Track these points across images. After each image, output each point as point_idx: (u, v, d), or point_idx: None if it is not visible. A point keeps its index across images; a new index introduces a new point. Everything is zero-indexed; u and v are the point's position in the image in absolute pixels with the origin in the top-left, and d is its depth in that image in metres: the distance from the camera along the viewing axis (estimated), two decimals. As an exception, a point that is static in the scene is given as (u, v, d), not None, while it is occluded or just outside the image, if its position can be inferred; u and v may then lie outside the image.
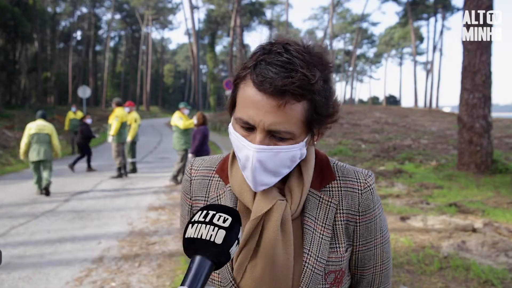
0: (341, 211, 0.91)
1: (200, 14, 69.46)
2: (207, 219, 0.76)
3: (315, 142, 0.91)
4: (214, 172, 0.99)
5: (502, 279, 3.56)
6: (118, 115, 9.65)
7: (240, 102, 0.83)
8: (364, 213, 0.92)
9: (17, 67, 35.51)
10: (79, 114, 14.10)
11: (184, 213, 1.05)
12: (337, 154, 12.76)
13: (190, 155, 8.07)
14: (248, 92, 0.81)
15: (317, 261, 0.88)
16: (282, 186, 0.91)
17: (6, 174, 10.61)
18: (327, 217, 0.90)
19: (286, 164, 0.85)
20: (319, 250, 0.89)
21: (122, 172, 9.75)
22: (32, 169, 7.81)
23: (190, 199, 1.01)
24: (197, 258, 0.73)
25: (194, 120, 8.16)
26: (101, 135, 21.64)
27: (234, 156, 0.96)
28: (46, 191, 7.65)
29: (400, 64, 65.06)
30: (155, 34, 75.65)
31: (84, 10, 52.67)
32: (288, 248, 0.87)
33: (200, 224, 0.75)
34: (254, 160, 0.82)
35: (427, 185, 7.94)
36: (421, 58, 59.59)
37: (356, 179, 0.93)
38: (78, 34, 55.62)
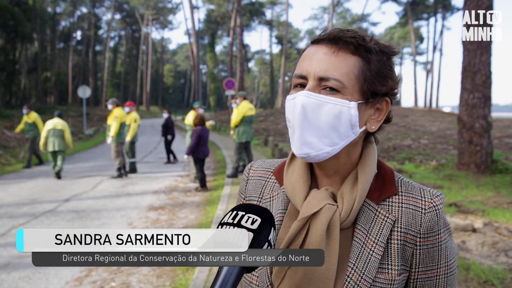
0: (399, 230, 0.83)
1: (200, 14, 69.45)
2: (235, 221, 0.73)
3: (372, 127, 0.84)
4: (271, 173, 0.96)
5: (502, 279, 3.56)
6: (118, 115, 9.62)
7: (299, 62, 0.85)
8: (426, 236, 0.83)
9: (17, 67, 35.56)
10: (32, 116, 11.54)
11: None
12: (337, 154, 12.75)
13: (185, 156, 8.09)
14: (306, 51, 0.84)
15: (361, 278, 0.81)
16: (337, 191, 0.87)
17: (6, 174, 10.60)
18: (381, 233, 0.82)
19: (334, 124, 0.79)
20: (366, 267, 0.81)
21: (122, 172, 9.75)
22: (50, 158, 9.68)
23: (244, 199, 0.98)
24: None
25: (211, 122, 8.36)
26: (101, 135, 21.66)
27: (292, 157, 0.93)
28: (57, 175, 9.49)
29: (400, 64, 65.02)
30: (155, 34, 75.64)
31: (84, 10, 52.72)
32: (331, 258, 0.81)
33: (228, 226, 0.73)
34: (299, 105, 0.79)
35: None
36: (421, 58, 59.60)
37: (421, 197, 0.85)
38: (78, 34, 55.66)
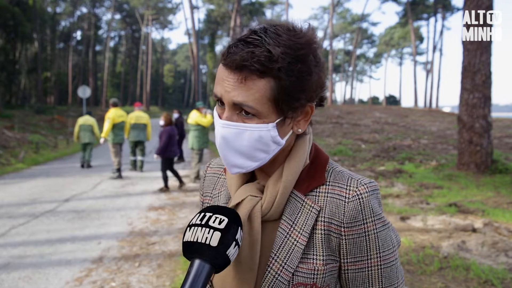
0: (323, 219, 0.82)
1: (200, 14, 69.43)
2: (203, 222, 0.76)
3: (299, 130, 0.84)
4: (223, 170, 1.02)
5: (502, 279, 3.56)
6: (110, 116, 9.69)
7: (216, 79, 0.83)
8: (350, 225, 0.81)
9: (17, 67, 35.53)
10: None
11: None
12: (337, 154, 12.77)
13: (155, 155, 8.23)
14: (219, 69, 0.81)
15: (282, 268, 0.81)
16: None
17: (6, 174, 10.60)
18: (305, 224, 0.82)
19: (257, 146, 0.79)
20: (288, 257, 0.82)
21: (120, 173, 9.76)
22: (81, 149, 11.45)
23: (202, 195, 1.04)
24: (196, 262, 0.73)
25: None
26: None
27: None
28: (88, 165, 11.31)
29: (400, 64, 65.05)
30: (155, 34, 75.70)
31: (84, 10, 52.71)
32: (253, 248, 0.82)
33: (196, 227, 0.76)
34: (219, 136, 0.81)
35: (427, 185, 7.95)
36: (421, 58, 59.75)
37: (347, 185, 0.83)
38: (78, 34, 55.69)
